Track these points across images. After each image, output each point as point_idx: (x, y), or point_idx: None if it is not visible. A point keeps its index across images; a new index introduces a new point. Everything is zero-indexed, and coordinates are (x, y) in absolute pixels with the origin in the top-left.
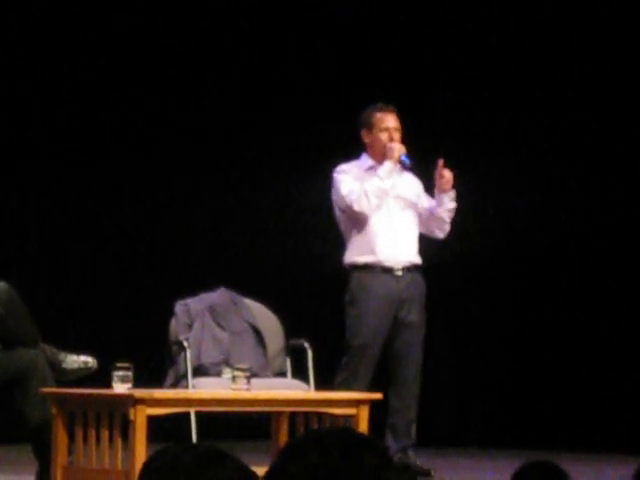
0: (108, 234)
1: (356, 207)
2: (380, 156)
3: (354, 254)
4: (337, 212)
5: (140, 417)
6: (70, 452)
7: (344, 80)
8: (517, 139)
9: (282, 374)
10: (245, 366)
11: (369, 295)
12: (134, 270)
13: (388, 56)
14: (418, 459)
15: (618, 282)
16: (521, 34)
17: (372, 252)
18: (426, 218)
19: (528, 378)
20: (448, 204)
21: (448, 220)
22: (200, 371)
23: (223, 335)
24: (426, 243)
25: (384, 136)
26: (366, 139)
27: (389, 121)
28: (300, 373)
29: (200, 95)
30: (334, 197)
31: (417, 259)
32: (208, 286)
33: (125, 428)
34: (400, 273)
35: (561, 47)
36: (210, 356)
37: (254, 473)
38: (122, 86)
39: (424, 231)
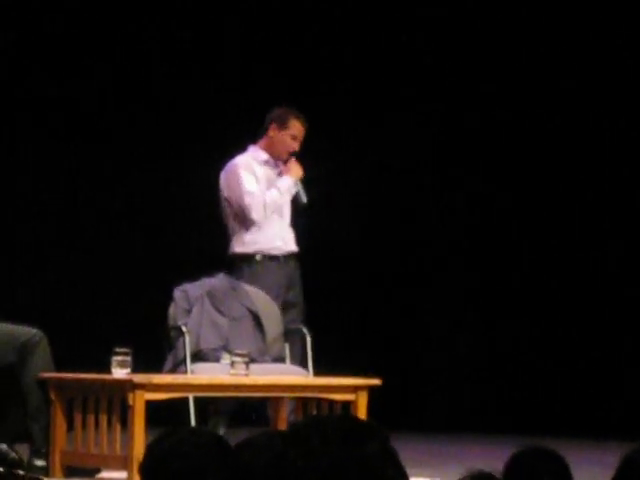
0: (108, 220)
1: (254, 216)
2: (276, 156)
3: (243, 245)
4: (224, 204)
5: (139, 402)
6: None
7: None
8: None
9: (281, 359)
10: (244, 352)
11: (261, 282)
12: (133, 255)
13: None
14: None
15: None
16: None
17: (258, 243)
18: None
19: (521, 364)
20: None
21: None
22: (199, 356)
23: (222, 320)
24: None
25: (294, 144)
26: (271, 133)
27: (301, 132)
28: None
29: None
30: (228, 193)
31: (295, 247)
32: (208, 271)
33: (124, 413)
34: (284, 260)
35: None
36: (209, 341)
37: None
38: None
39: None
